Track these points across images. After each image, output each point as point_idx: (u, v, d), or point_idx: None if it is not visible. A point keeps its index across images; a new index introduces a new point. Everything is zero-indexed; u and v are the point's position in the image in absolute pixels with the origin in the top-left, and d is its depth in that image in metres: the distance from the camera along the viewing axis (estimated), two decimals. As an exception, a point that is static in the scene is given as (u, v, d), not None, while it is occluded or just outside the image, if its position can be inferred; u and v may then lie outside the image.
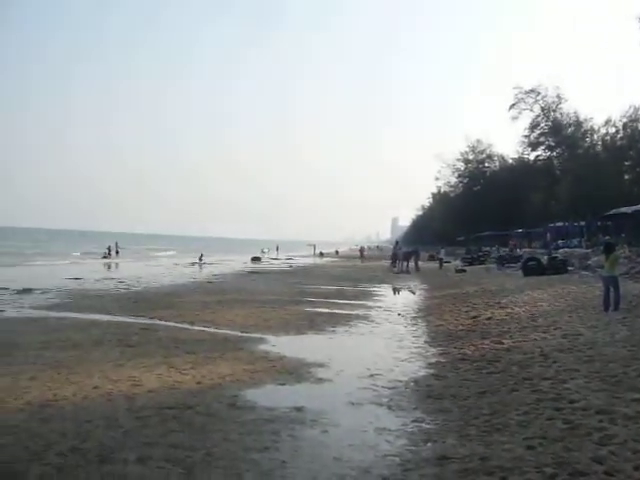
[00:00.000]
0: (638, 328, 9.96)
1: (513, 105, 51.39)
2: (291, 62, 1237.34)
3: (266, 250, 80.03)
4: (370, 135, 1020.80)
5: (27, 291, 19.18)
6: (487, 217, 61.78)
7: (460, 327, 12.51)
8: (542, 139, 51.80)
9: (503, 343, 10.02)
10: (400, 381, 7.75)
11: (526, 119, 51.51)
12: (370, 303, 18.48)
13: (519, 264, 29.16)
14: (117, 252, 56.21)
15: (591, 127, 50.57)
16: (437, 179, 77.27)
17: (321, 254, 77.92)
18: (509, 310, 14.32)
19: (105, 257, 51.29)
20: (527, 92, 50.69)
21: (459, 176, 73.37)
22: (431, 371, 8.40)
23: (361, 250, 73.89)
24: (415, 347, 10.44)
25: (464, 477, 4.40)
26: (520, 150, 55.93)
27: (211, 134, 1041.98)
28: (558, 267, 25.31)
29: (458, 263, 42.96)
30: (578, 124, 50.32)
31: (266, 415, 6.13)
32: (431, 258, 50.30)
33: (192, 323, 12.90)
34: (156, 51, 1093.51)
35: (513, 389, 6.89)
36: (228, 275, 32.47)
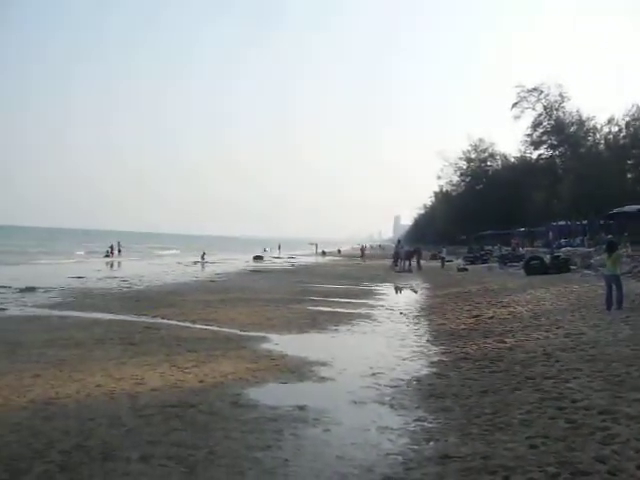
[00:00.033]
0: (641, 327, 9.95)
1: (515, 104, 51.23)
2: (291, 62, 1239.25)
3: (268, 249, 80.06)
4: (371, 134, 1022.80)
5: (30, 290, 19.21)
6: (489, 216, 61.68)
7: (462, 326, 12.50)
8: (544, 138, 51.63)
9: (505, 342, 10.01)
10: (402, 380, 7.75)
11: (528, 118, 51.40)
12: (372, 302, 18.47)
13: (521, 263, 29.11)
14: (119, 251, 56.29)
15: (594, 126, 50.46)
16: (439, 178, 77.12)
17: (323, 253, 77.88)
18: (511, 309, 14.32)
19: (107, 256, 51.37)
20: (529, 91, 50.55)
21: (461, 175, 73.29)
22: (433, 370, 8.40)
23: (362, 249, 73.89)
24: (417, 346, 10.44)
25: (466, 476, 4.40)
26: (522, 149, 55.77)
27: (211, 134, 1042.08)
28: (560, 266, 25.30)
29: (460, 262, 42.92)
30: (581, 123, 50.20)
31: (269, 414, 6.13)
32: (433, 257, 50.30)
33: (194, 322, 12.92)
34: (156, 51, 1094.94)
35: (515, 388, 6.89)
36: (230, 274, 32.49)
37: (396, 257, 40.55)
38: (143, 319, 13.27)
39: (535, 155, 54.90)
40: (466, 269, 35.12)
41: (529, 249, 43.72)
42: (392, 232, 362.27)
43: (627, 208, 32.58)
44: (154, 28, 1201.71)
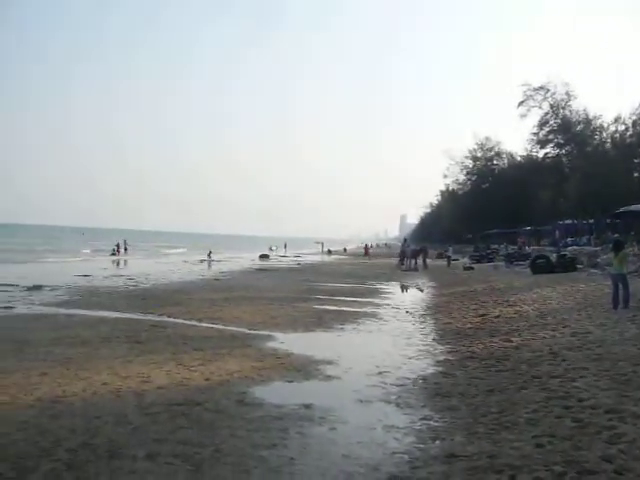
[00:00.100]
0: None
1: (522, 102, 51.09)
2: (291, 62, 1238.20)
3: (274, 248, 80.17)
4: (371, 134, 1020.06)
5: (37, 288, 19.28)
6: (495, 215, 61.58)
7: (468, 325, 12.48)
8: (551, 136, 51.47)
9: (512, 341, 9.99)
10: (408, 379, 7.74)
11: (535, 116, 51.27)
12: (378, 301, 18.47)
13: (527, 262, 29.09)
14: (125, 249, 56.53)
15: (600, 124, 50.29)
16: (445, 176, 77.08)
17: (329, 252, 77.93)
18: (518, 308, 14.29)
19: (113, 254, 51.56)
20: (536, 89, 50.42)
21: (467, 173, 73.15)
22: (439, 369, 8.39)
23: (366, 248, 73.89)
24: (423, 345, 10.43)
25: (472, 475, 4.39)
26: (529, 147, 55.65)
27: (211, 134, 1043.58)
28: (567, 265, 25.24)
29: (466, 261, 42.89)
30: (587, 121, 50.02)
31: (274, 412, 6.14)
32: (439, 256, 50.22)
33: (200, 320, 12.94)
34: (156, 51, 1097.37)
35: (522, 387, 6.87)
36: (236, 272, 32.55)
37: (402, 256, 40.56)
38: (149, 317, 13.30)
39: (541, 154, 54.86)
40: (472, 268, 35.07)
41: (535, 248, 43.58)
42: (398, 231, 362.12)
43: (634, 207, 32.45)
44: (154, 28, 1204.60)
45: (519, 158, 65.91)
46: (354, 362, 8.91)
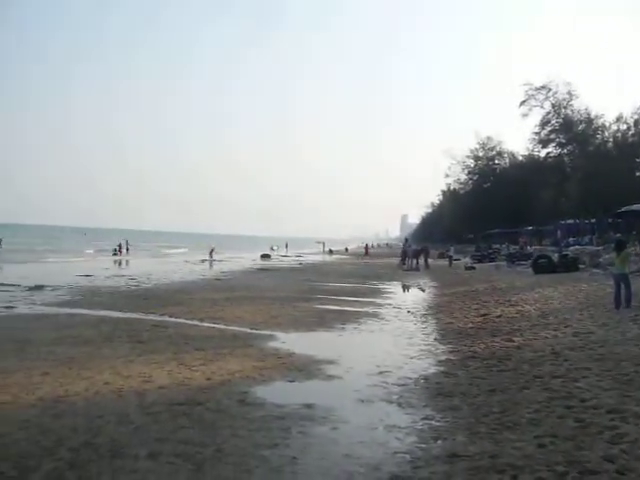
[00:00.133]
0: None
1: (523, 102, 50.99)
2: (291, 62, 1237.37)
3: (275, 247, 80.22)
4: (371, 134, 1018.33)
5: (38, 288, 19.30)
6: (497, 214, 61.53)
7: (470, 325, 12.47)
8: (553, 136, 51.34)
9: (513, 341, 9.98)
10: (410, 378, 7.74)
11: (536, 116, 51.18)
12: (380, 300, 18.46)
13: (529, 262, 29.06)
14: (127, 249, 56.58)
15: (602, 124, 50.21)
16: (447, 176, 77.01)
17: (330, 251, 78.08)
18: (519, 308, 14.28)
19: (115, 254, 51.62)
20: (538, 88, 50.29)
21: (469, 173, 73.08)
22: (441, 369, 8.38)
23: (366, 247, 73.97)
24: (425, 344, 10.42)
25: (474, 475, 4.38)
26: (530, 147, 55.54)
27: (211, 134, 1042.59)
28: (569, 265, 25.22)
29: (468, 260, 42.87)
30: (589, 121, 49.92)
31: (276, 412, 6.13)
32: (441, 256, 50.23)
33: (202, 320, 12.95)
34: (156, 51, 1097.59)
35: (524, 387, 6.87)
36: (238, 272, 32.57)
37: (404, 255, 40.58)
38: (151, 317, 13.31)
39: (543, 153, 54.67)
40: (474, 268, 35.07)
41: (537, 248, 43.56)
42: (399, 231, 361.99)
43: (636, 206, 32.36)
44: (154, 28, 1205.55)
45: (521, 157, 65.88)
46: (355, 362, 8.91)
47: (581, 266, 25.46)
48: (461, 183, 77.20)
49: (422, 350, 9.87)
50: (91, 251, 57.02)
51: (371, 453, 4.95)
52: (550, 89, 49.88)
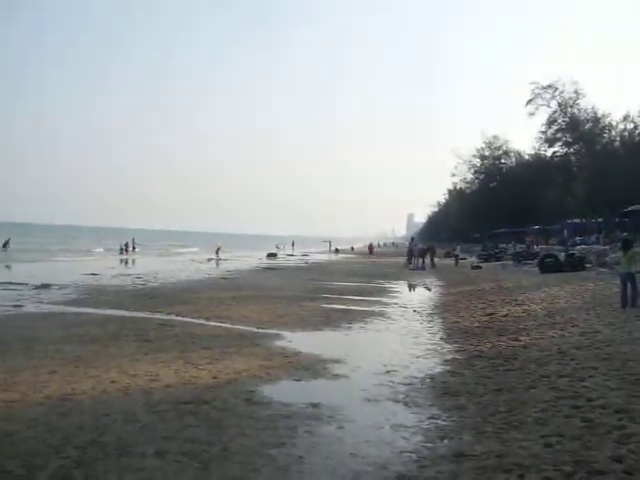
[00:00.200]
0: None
1: (530, 100, 50.95)
2: (292, 64, 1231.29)
3: (281, 246, 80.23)
4: (379, 133, 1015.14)
5: (45, 286, 19.37)
6: (503, 213, 61.48)
7: (476, 324, 12.45)
8: (559, 135, 51.28)
9: (520, 340, 9.96)
10: (416, 378, 7.73)
11: (543, 115, 51.09)
12: (386, 299, 18.46)
13: (536, 261, 29.00)
14: (134, 248, 56.76)
15: (609, 123, 50.11)
16: (453, 175, 77.03)
17: (336, 250, 77.99)
18: (526, 307, 14.25)
19: (122, 253, 51.79)
20: (544, 87, 50.22)
21: (475, 172, 73.07)
22: (447, 368, 8.37)
23: (370, 246, 73.92)
24: (431, 344, 10.41)
25: (481, 474, 4.37)
26: (537, 146, 55.50)
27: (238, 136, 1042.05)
28: (575, 264, 25.14)
29: (474, 260, 42.81)
30: (596, 120, 49.81)
31: (282, 411, 6.14)
32: (447, 255, 50.12)
33: (208, 319, 12.97)
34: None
35: (530, 386, 6.85)
36: (244, 271, 32.60)
37: (410, 255, 40.52)
38: (157, 316, 13.34)
39: (550, 152, 54.68)
40: (480, 267, 35.01)
41: (543, 247, 43.41)
42: (405, 230, 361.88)
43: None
44: (154, 28, 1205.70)
45: (527, 157, 65.89)
46: (362, 361, 8.90)
47: (588, 265, 25.38)
48: (467, 182, 77.26)
49: (428, 349, 9.86)
50: (101, 250, 57.23)
51: (377, 452, 4.95)
52: (557, 88, 49.89)
